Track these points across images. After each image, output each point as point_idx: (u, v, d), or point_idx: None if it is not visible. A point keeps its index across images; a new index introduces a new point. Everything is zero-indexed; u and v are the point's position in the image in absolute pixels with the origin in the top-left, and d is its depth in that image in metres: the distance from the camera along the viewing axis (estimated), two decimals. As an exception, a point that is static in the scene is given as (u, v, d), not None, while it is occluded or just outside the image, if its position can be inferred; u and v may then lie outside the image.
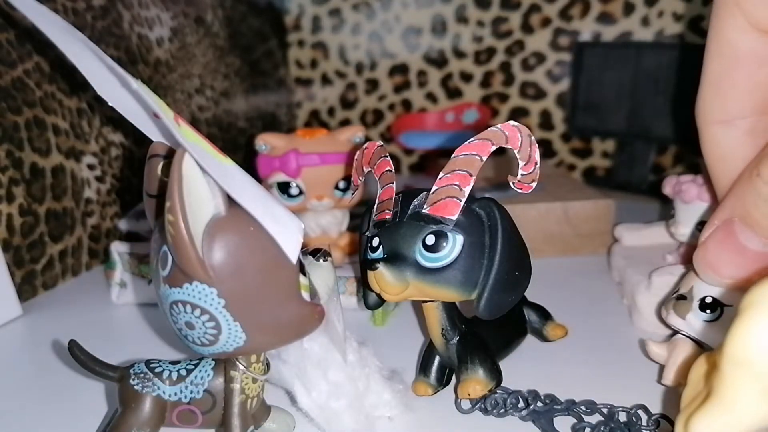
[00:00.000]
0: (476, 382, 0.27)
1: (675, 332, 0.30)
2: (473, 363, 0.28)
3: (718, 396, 0.19)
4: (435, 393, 0.29)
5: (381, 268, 0.25)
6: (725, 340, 0.18)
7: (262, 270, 0.21)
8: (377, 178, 0.28)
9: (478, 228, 0.25)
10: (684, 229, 0.37)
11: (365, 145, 0.29)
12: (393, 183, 0.27)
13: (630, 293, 0.37)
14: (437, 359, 0.29)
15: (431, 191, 0.25)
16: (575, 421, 0.27)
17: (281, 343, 0.24)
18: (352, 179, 0.30)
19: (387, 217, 0.26)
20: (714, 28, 0.26)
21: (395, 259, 0.25)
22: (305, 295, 0.23)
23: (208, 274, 0.21)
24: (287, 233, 0.21)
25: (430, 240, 0.25)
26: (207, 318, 0.21)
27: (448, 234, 0.25)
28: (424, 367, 0.30)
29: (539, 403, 0.27)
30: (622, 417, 0.27)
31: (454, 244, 0.25)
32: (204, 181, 0.21)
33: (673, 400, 0.28)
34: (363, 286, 0.29)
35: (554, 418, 0.27)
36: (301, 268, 0.23)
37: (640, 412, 0.27)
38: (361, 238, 0.29)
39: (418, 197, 0.26)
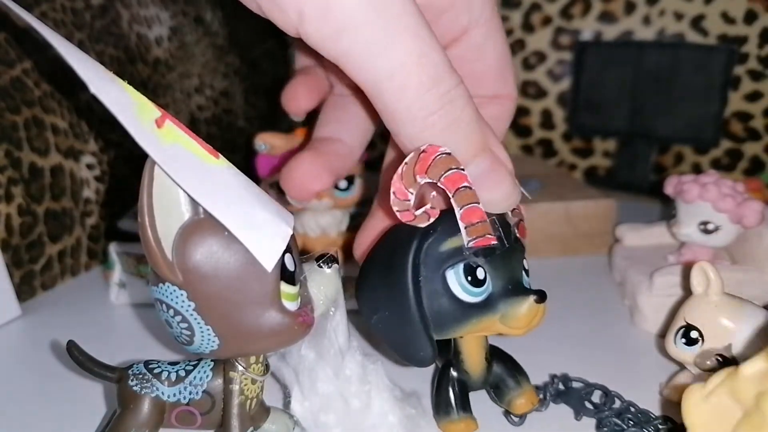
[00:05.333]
0: (531, 392, 0.27)
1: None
2: (521, 375, 0.27)
3: None
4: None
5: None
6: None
7: (234, 276, 0.21)
8: (451, 195, 0.22)
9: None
10: (685, 229, 0.37)
11: (422, 147, 0.22)
12: (478, 203, 0.23)
13: (631, 294, 0.37)
14: (464, 389, 0.27)
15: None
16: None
17: (260, 350, 0.23)
18: (393, 190, 0.22)
19: (494, 242, 0.23)
20: None
21: (524, 287, 0.24)
22: (290, 305, 0.22)
23: (176, 276, 0.20)
24: (264, 241, 0.21)
25: (526, 264, 0.25)
26: (180, 319, 0.21)
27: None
28: (456, 404, 0.26)
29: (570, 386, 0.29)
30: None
31: None
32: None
33: (673, 404, 0.28)
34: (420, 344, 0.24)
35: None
36: (291, 276, 0.22)
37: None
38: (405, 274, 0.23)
39: (504, 220, 0.24)
